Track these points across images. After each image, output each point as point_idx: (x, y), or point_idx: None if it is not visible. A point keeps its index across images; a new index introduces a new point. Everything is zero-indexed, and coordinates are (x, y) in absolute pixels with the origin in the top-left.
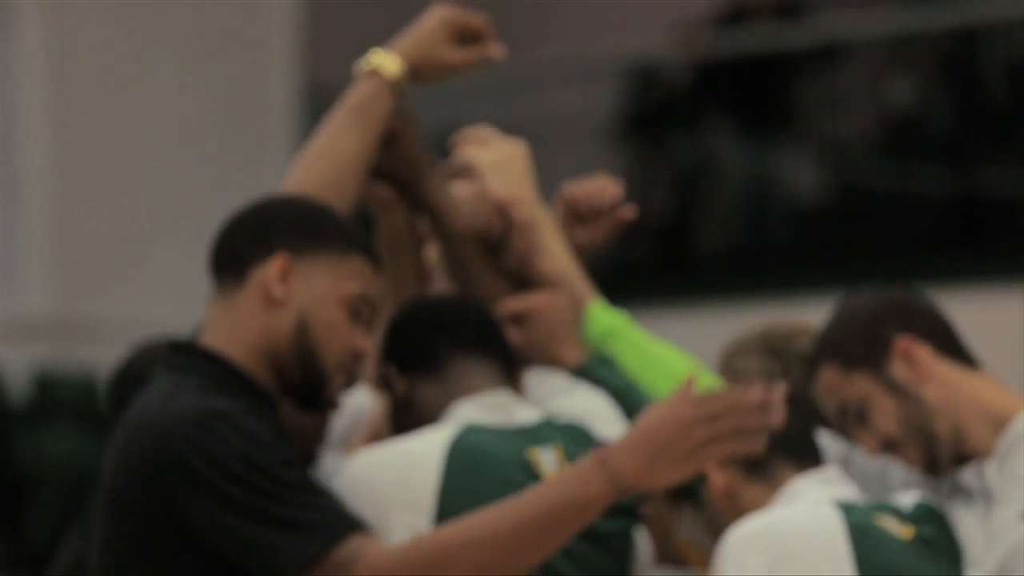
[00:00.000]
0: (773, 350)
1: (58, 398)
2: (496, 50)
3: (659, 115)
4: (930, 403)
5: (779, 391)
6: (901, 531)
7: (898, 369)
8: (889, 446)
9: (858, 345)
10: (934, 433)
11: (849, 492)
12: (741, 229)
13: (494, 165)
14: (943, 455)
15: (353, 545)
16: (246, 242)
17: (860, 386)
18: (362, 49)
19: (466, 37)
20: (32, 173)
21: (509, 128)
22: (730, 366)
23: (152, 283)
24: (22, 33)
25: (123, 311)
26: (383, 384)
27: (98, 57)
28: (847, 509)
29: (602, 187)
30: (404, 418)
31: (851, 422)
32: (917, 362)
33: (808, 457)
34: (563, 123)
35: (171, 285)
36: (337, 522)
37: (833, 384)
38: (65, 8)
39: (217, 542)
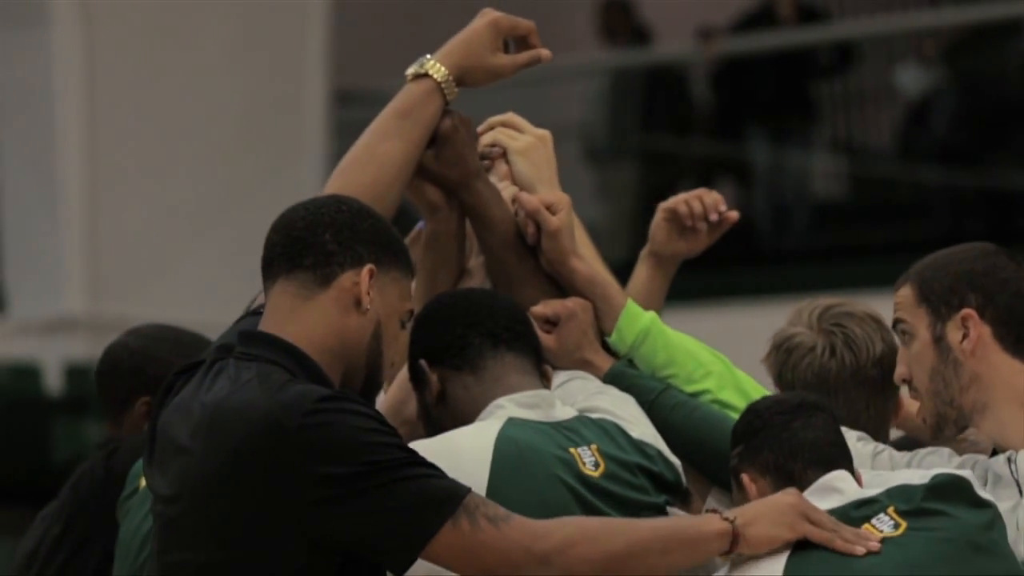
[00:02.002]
0: (825, 329)
1: (91, 391)
2: (543, 54)
3: (685, 115)
4: (967, 374)
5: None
6: (895, 532)
7: (952, 332)
8: (910, 386)
9: (938, 289)
10: (955, 400)
11: (836, 501)
12: (764, 228)
13: (522, 149)
14: (951, 422)
15: (500, 507)
16: (335, 245)
17: (918, 321)
18: (393, 51)
19: (514, 41)
20: (68, 176)
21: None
22: (784, 333)
23: (182, 283)
24: (57, 34)
25: (153, 310)
26: (413, 378)
27: (132, 59)
28: None
29: (707, 197)
30: (440, 412)
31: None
32: (970, 336)
33: (840, 466)
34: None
35: (200, 285)
36: (459, 482)
37: (902, 302)
38: (99, 10)
39: (342, 527)
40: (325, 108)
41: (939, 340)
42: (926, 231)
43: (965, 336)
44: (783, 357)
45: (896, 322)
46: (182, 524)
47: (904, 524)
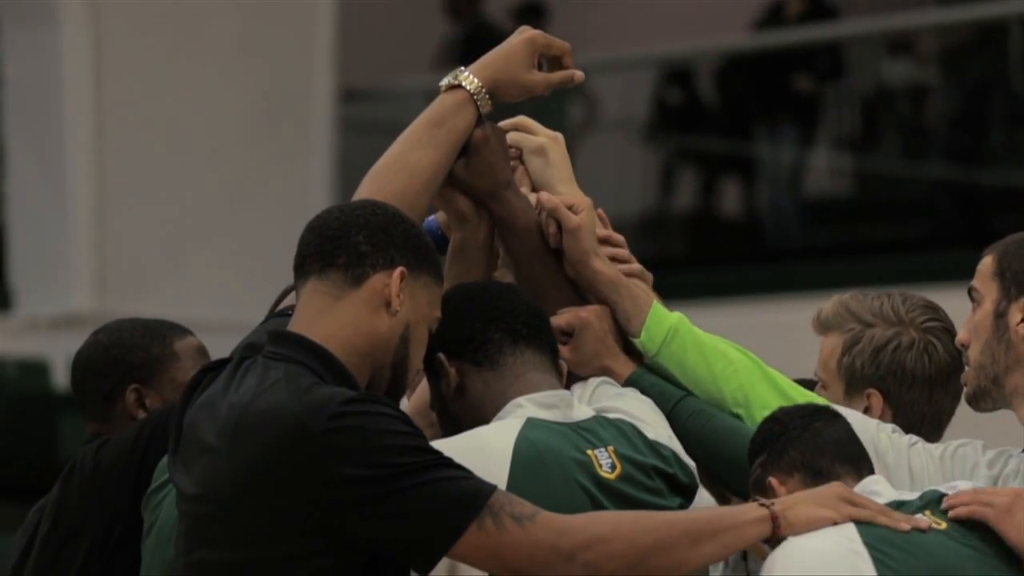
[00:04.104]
0: (924, 325)
1: None
2: (577, 75)
3: (690, 112)
4: (1014, 357)
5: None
6: (939, 525)
7: (1014, 313)
8: (964, 351)
9: (1015, 268)
10: (998, 378)
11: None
12: (770, 225)
13: (538, 149)
14: (990, 398)
15: (527, 504)
16: (368, 246)
17: (988, 292)
18: (398, 52)
19: (547, 60)
20: (76, 173)
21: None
22: (880, 334)
23: (189, 281)
24: (66, 32)
25: (160, 308)
26: (429, 370)
27: (140, 57)
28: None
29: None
30: (457, 406)
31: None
32: None
33: (864, 464)
34: (599, 119)
35: (208, 283)
36: (485, 480)
37: (981, 270)
38: (107, 8)
39: (367, 529)
40: (332, 106)
41: (1000, 317)
42: (929, 229)
43: (1023, 320)
44: (891, 357)
45: (971, 288)
46: (208, 524)
47: (944, 524)
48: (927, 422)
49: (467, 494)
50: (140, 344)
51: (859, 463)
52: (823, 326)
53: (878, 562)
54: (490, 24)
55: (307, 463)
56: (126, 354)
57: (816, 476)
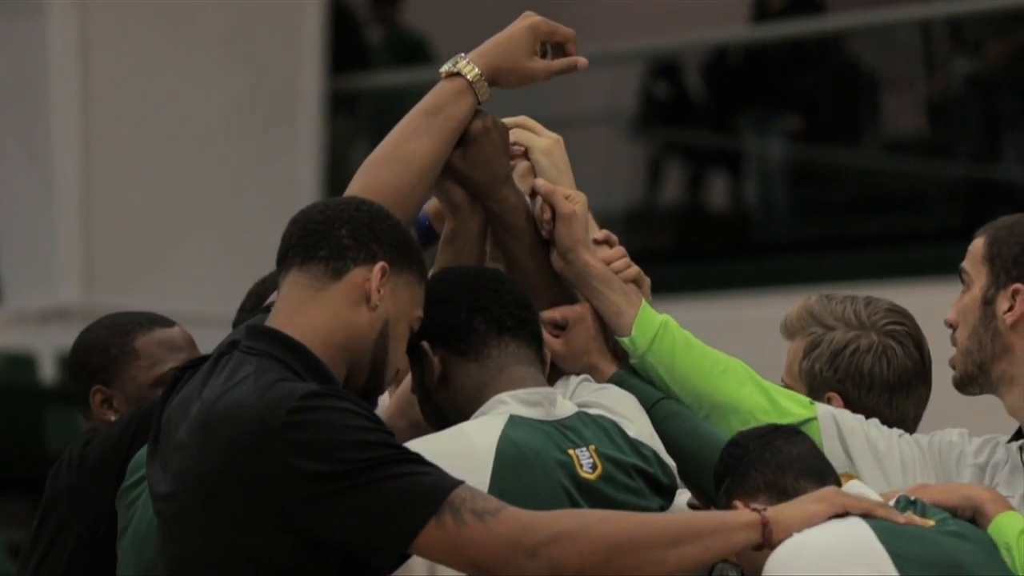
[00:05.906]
0: (885, 329)
1: None
2: (579, 62)
3: (678, 106)
4: (1001, 345)
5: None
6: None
7: (1001, 300)
8: (953, 332)
9: (1005, 253)
10: (984, 365)
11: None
12: (757, 219)
13: (546, 150)
14: (976, 383)
15: (492, 500)
16: (350, 240)
17: (977, 277)
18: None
19: (551, 46)
20: (63, 167)
21: (537, 117)
22: (837, 338)
23: (176, 274)
24: (52, 25)
25: (147, 301)
26: (413, 359)
27: (127, 50)
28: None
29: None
30: (440, 395)
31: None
32: (1015, 310)
33: (829, 477)
34: (587, 113)
35: (194, 276)
36: (449, 475)
37: (972, 252)
38: (93, 2)
39: (327, 525)
40: (320, 100)
41: (988, 303)
42: (918, 224)
43: (1011, 308)
44: (849, 361)
45: (961, 269)
46: (181, 520)
47: (932, 522)
48: (890, 427)
49: (425, 490)
50: (100, 345)
51: (823, 477)
52: (789, 331)
53: (894, 556)
54: (349, 8)
55: (267, 458)
56: (88, 357)
57: (781, 495)
